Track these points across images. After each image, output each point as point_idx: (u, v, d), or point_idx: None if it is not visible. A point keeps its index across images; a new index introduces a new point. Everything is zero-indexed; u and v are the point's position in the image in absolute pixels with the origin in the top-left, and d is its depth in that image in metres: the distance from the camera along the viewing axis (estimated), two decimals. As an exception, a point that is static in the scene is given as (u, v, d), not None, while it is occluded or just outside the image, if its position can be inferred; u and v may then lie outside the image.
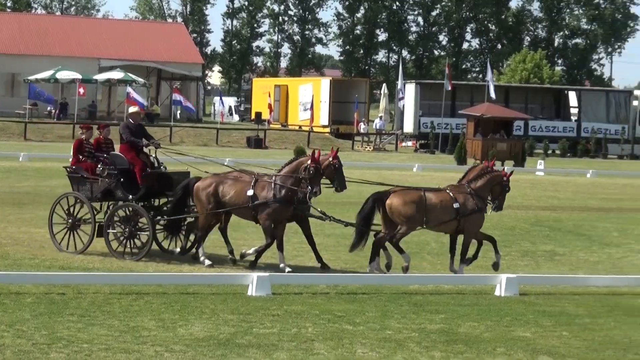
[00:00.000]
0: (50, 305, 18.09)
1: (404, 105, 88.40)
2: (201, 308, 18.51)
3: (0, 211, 30.92)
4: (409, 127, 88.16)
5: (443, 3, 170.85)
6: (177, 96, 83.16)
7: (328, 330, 17.18)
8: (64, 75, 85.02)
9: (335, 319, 18.14)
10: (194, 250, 24.10)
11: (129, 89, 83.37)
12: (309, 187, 22.51)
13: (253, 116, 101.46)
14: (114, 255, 23.90)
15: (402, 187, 24.41)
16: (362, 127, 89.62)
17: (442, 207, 23.11)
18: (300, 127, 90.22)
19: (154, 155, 24.85)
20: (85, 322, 16.92)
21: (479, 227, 23.67)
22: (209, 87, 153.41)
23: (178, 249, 24.15)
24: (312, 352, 15.69)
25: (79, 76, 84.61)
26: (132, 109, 26.37)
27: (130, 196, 23.81)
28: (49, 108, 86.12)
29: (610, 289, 22.25)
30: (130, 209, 24.00)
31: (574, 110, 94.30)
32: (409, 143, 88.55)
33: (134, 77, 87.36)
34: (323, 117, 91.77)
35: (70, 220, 24.15)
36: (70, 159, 24.55)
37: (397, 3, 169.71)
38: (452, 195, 23.36)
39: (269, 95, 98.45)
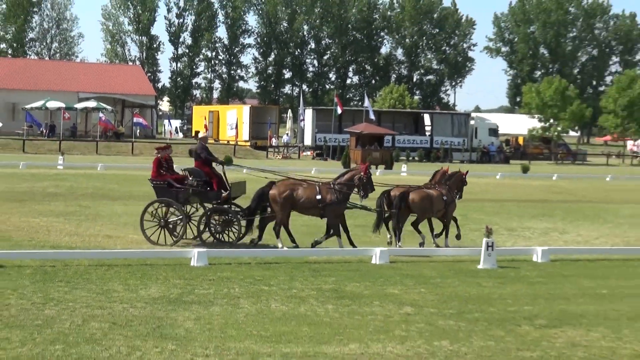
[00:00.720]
0: (44, 274, 17.92)
1: (304, 125, 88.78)
2: (156, 275, 18.43)
3: (4, 206, 30.54)
4: (308, 141, 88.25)
5: (332, 50, 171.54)
6: (137, 119, 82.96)
7: (250, 290, 17.18)
8: (52, 104, 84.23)
9: (255, 282, 18.13)
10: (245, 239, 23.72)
11: (101, 114, 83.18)
12: (362, 192, 23.22)
13: (193, 134, 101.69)
14: (198, 240, 23.44)
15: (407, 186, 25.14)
16: (274, 141, 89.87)
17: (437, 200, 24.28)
18: (228, 141, 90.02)
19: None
20: (70, 286, 16.80)
21: (452, 212, 24.68)
22: (160, 113, 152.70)
23: (254, 239, 23.49)
24: (238, 306, 15.69)
25: (64, 105, 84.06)
26: (202, 134, 25.81)
27: (214, 201, 23.53)
28: (40, 129, 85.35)
29: (455, 257, 22.44)
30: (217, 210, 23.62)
31: (428, 128, 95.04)
32: (308, 152, 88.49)
33: (104, 105, 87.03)
34: (245, 134, 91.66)
35: (161, 221, 23.40)
36: (151, 173, 23.82)
37: (298, 50, 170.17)
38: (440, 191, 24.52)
39: (205, 118, 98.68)
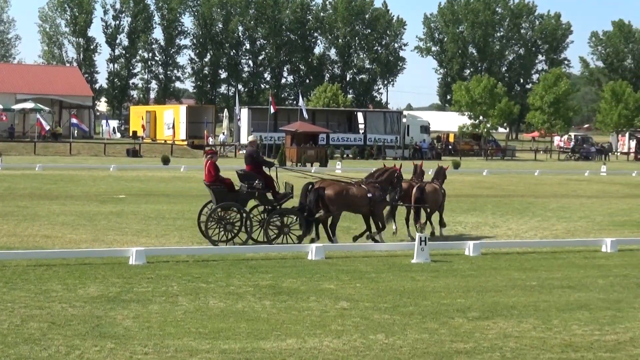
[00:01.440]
0: (-18, 275, 17.64)
1: (240, 124, 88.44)
2: (95, 274, 18.22)
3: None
4: (244, 139, 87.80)
5: (266, 50, 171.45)
6: (74, 120, 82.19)
7: (188, 288, 17.05)
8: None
9: (193, 279, 18.00)
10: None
11: (39, 116, 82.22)
12: (398, 189, 24.77)
13: (131, 134, 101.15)
14: (267, 239, 23.41)
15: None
16: (211, 140, 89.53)
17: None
18: (165, 141, 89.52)
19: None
20: (8, 287, 16.54)
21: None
22: (98, 113, 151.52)
23: (314, 238, 23.75)
24: (177, 304, 15.56)
25: (1, 106, 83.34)
26: (252, 138, 25.93)
27: (275, 203, 23.84)
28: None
29: (389, 253, 22.47)
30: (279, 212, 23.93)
31: (361, 126, 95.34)
32: (244, 151, 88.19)
33: (42, 106, 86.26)
34: (182, 133, 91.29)
35: (223, 222, 23.46)
36: (206, 177, 23.64)
37: (234, 50, 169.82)
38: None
39: (142, 118, 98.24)
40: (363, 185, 24.25)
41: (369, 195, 23.86)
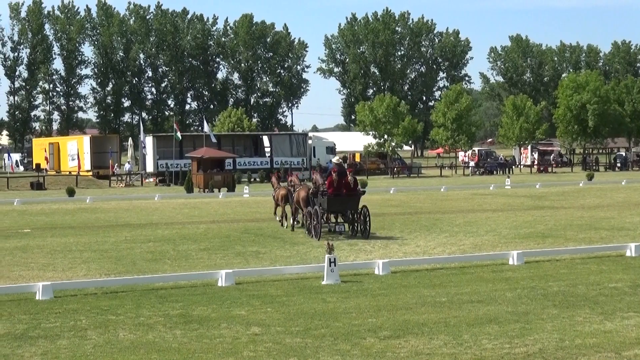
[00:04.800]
0: None
1: (145, 152, 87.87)
2: (0, 312, 17.85)
3: None
4: (150, 167, 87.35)
5: (169, 77, 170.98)
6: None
7: (97, 321, 16.79)
8: None
9: (102, 312, 17.74)
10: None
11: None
12: None
13: (34, 166, 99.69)
14: None
15: None
16: (116, 169, 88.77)
17: None
18: (70, 172, 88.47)
19: None
20: None
21: None
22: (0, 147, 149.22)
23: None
24: (86, 338, 15.31)
25: None
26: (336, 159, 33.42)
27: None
28: None
29: (299, 275, 22.44)
30: None
31: (267, 149, 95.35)
32: (151, 179, 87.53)
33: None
34: (87, 164, 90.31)
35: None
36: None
37: (136, 78, 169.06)
38: None
39: (45, 150, 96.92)
40: None
41: None
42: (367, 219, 31.52)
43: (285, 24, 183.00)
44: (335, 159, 28.43)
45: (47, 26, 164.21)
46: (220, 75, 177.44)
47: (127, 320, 16.82)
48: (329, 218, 32.49)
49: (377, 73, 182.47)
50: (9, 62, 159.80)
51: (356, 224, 31.99)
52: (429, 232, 33.53)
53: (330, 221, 32.35)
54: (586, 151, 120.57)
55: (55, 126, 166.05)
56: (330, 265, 21.35)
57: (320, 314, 17.32)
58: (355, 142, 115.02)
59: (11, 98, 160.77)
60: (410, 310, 17.51)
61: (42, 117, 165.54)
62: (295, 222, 34.75)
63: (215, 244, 27.43)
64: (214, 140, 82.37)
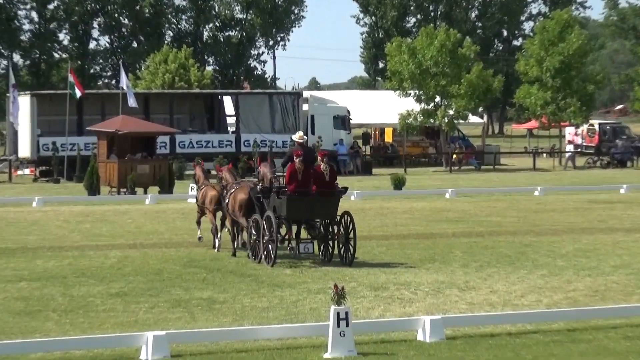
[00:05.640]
0: None
1: (17, 124, 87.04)
2: None
3: None
4: (24, 150, 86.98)
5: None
6: None
7: None
8: None
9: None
10: None
11: None
12: None
13: None
14: None
15: None
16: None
17: None
18: None
19: None
20: None
21: None
22: None
23: None
24: None
25: None
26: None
27: None
28: None
29: (284, 342, 22.12)
30: None
31: (231, 120, 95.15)
32: (27, 171, 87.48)
33: None
34: None
35: None
36: None
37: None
38: None
39: None
40: None
41: None
42: (351, 234, 31.49)
43: None
44: (297, 136, 27.62)
45: None
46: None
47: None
48: (290, 232, 32.50)
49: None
50: None
51: (332, 242, 31.97)
52: (513, 268, 33.43)
53: (290, 237, 32.35)
54: None
55: None
56: (339, 325, 21.09)
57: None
58: (384, 108, 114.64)
59: None
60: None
61: None
62: (237, 241, 35.32)
63: (138, 285, 27.11)
64: (134, 105, 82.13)
